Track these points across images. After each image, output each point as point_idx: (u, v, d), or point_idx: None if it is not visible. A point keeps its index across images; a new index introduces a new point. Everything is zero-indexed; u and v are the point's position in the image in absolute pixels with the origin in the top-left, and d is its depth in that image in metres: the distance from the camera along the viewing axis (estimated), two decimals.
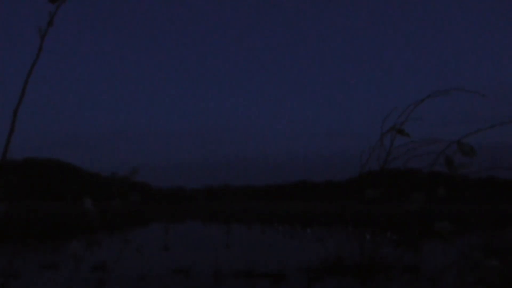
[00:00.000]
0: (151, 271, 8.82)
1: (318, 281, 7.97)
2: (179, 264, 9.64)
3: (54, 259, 10.33)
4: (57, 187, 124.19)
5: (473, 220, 32.52)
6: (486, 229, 19.67)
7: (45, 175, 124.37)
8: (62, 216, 44.75)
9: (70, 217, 40.44)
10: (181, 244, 15.19)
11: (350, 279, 8.07)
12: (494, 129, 1.56)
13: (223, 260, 10.19)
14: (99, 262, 9.47)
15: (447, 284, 3.17)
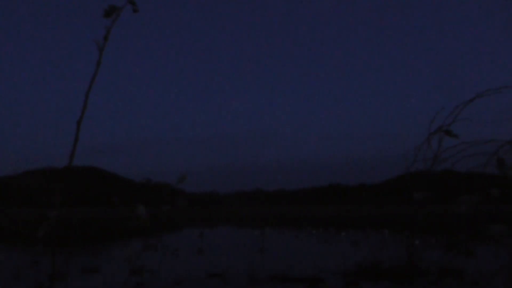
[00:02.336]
0: (187, 275, 8.94)
1: (355, 285, 7.83)
2: (214, 268, 9.72)
3: (95, 263, 10.66)
4: (96, 193, 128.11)
5: None
6: None
7: (84, 181, 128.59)
8: (103, 221, 46.09)
9: (111, 222, 41.58)
10: (215, 248, 15.31)
11: (387, 284, 7.88)
12: None
13: (258, 264, 10.19)
14: (139, 265, 9.69)
15: None
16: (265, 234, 22.25)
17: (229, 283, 8.20)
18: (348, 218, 50.04)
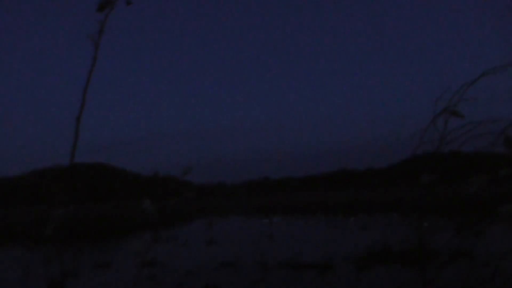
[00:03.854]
0: (199, 265, 9.02)
1: (366, 270, 7.85)
2: (225, 257, 9.79)
3: (108, 257, 10.78)
4: (104, 188, 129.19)
5: None
6: None
7: (91, 178, 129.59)
8: (113, 216, 46.53)
9: (120, 217, 41.96)
10: (226, 238, 15.41)
11: (399, 267, 7.89)
12: None
13: (268, 252, 10.25)
14: (150, 258, 9.79)
15: (504, 270, 3.03)
16: (273, 222, 22.35)
17: (240, 271, 8.26)
18: (357, 203, 50.13)
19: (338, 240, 13.14)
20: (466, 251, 7.09)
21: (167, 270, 8.73)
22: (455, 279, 5.96)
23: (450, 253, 7.22)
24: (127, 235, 20.46)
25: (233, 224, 24.80)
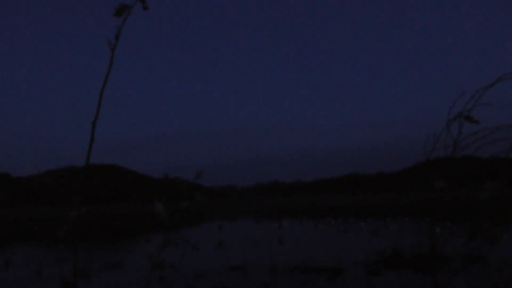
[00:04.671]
0: (208, 268, 9.02)
1: (377, 275, 7.78)
2: (235, 260, 9.79)
3: (119, 259, 10.86)
4: (115, 189, 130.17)
5: None
6: None
7: (104, 179, 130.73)
8: (124, 217, 46.85)
9: (132, 218, 42.24)
10: (235, 241, 15.41)
11: (410, 272, 7.81)
12: None
13: (278, 256, 10.22)
14: (161, 260, 9.83)
15: None
16: (283, 225, 22.28)
17: (250, 275, 8.24)
18: (367, 207, 49.74)
19: (349, 244, 13.05)
20: (479, 257, 6.98)
21: (177, 272, 8.76)
22: (468, 286, 5.88)
23: (463, 259, 7.11)
24: (139, 236, 20.57)
25: (243, 227, 24.79)
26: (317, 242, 14.15)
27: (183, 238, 15.63)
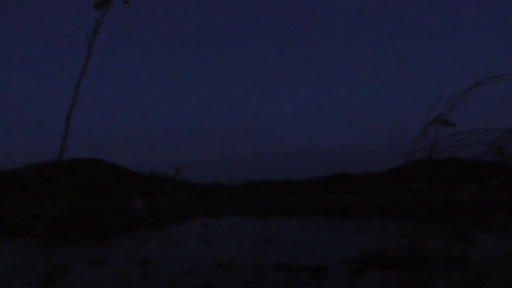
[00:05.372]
0: (193, 265, 9.01)
1: (360, 274, 7.86)
2: (220, 258, 9.79)
3: (102, 254, 10.76)
4: (100, 184, 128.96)
5: None
6: None
7: (89, 174, 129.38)
8: (108, 213, 46.48)
9: (116, 214, 41.91)
10: (221, 238, 15.41)
11: (393, 272, 7.90)
12: None
13: (264, 254, 10.25)
14: (145, 256, 9.79)
15: (497, 278, 3.04)
16: (270, 223, 22.34)
17: (234, 272, 8.25)
18: (353, 207, 50.12)
19: (334, 243, 13.15)
20: (459, 258, 7.11)
21: (161, 269, 8.73)
22: (447, 286, 5.97)
23: (443, 259, 7.25)
24: (124, 232, 20.42)
25: (230, 225, 24.77)
26: (302, 240, 14.22)
27: (168, 235, 15.56)
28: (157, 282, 7.48)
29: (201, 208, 56.50)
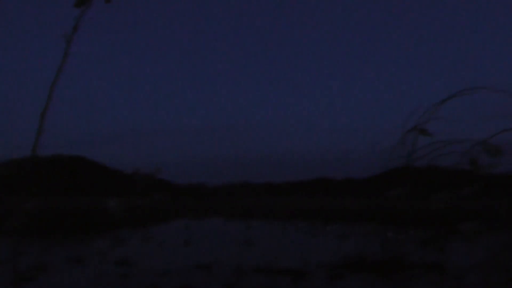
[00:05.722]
0: (173, 267, 8.95)
1: (340, 278, 7.92)
2: (200, 259, 9.75)
3: (80, 254, 10.60)
4: (82, 183, 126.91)
5: (503, 218, 31.62)
6: None
7: (71, 171, 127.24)
8: (87, 211, 45.75)
9: (95, 213, 41.29)
10: (202, 240, 15.33)
11: (372, 277, 7.99)
12: None
13: (244, 256, 10.24)
14: (123, 257, 9.67)
15: (472, 284, 3.11)
16: (251, 226, 22.34)
17: (214, 274, 8.23)
18: (335, 211, 50.49)
19: (315, 247, 13.23)
20: (435, 263, 7.24)
21: (140, 269, 8.64)
22: None
23: (421, 264, 7.37)
24: (101, 231, 20.13)
25: (211, 226, 24.68)
26: (283, 243, 14.26)
27: (148, 236, 15.41)
28: (136, 282, 7.41)
29: (184, 208, 56.10)
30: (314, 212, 47.14)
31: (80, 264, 9.35)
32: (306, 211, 50.16)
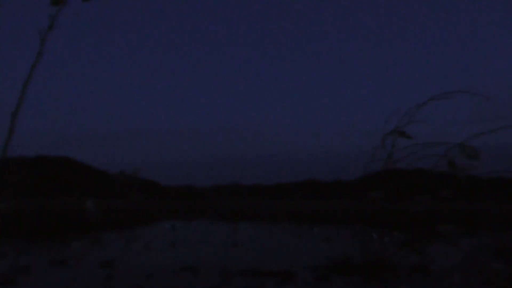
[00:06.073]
0: (159, 269, 8.88)
1: (326, 280, 7.96)
2: (187, 261, 9.70)
3: (63, 256, 10.45)
4: (67, 184, 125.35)
5: (481, 220, 32.16)
6: (495, 230, 19.44)
7: (55, 172, 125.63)
8: (70, 212, 45.19)
9: (78, 214, 40.80)
10: (189, 241, 15.26)
11: (357, 278, 8.04)
12: (501, 129, 1.55)
13: (231, 258, 10.22)
14: (108, 259, 9.57)
15: (454, 286, 3.15)
16: (239, 227, 22.32)
17: (200, 276, 8.19)
18: (322, 213, 50.69)
19: (301, 249, 13.26)
20: (420, 265, 7.32)
21: (125, 271, 8.56)
22: None
23: (404, 266, 7.45)
24: (89, 233, 19.89)
25: (198, 228, 24.58)
26: (270, 245, 14.26)
27: (133, 237, 15.27)
28: (120, 285, 7.33)
29: (171, 210, 55.71)
30: (301, 214, 47.25)
31: (63, 266, 9.22)
32: (293, 213, 50.26)
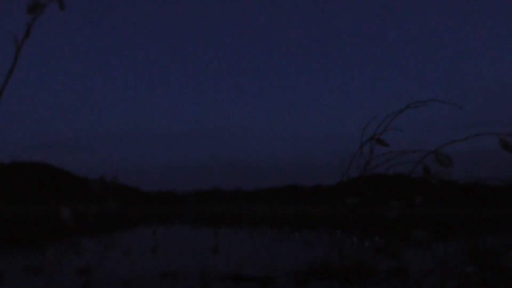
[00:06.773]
0: (138, 275, 8.76)
1: (306, 284, 7.99)
2: (167, 267, 9.60)
3: (38, 263, 10.20)
4: (44, 190, 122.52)
5: (455, 225, 32.90)
6: (469, 234, 19.92)
7: (32, 178, 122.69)
8: (47, 219, 44.16)
9: (54, 221, 39.90)
10: (169, 247, 15.11)
11: (337, 283, 8.11)
12: (475, 136, 1.61)
13: (211, 264, 10.16)
14: (85, 265, 9.39)
15: (431, 286, 3.23)
16: (219, 233, 22.22)
17: (181, 282, 8.12)
18: (303, 218, 50.95)
19: (282, 254, 13.28)
20: (397, 269, 7.44)
21: (104, 278, 8.41)
22: None
23: (383, 270, 7.56)
24: (63, 240, 19.47)
25: (179, 233, 24.35)
26: (251, 250, 14.25)
27: (112, 243, 15.03)
28: None
29: (152, 215, 55.05)
30: (282, 219, 47.37)
31: (39, 273, 9.00)
32: (274, 218, 50.35)
